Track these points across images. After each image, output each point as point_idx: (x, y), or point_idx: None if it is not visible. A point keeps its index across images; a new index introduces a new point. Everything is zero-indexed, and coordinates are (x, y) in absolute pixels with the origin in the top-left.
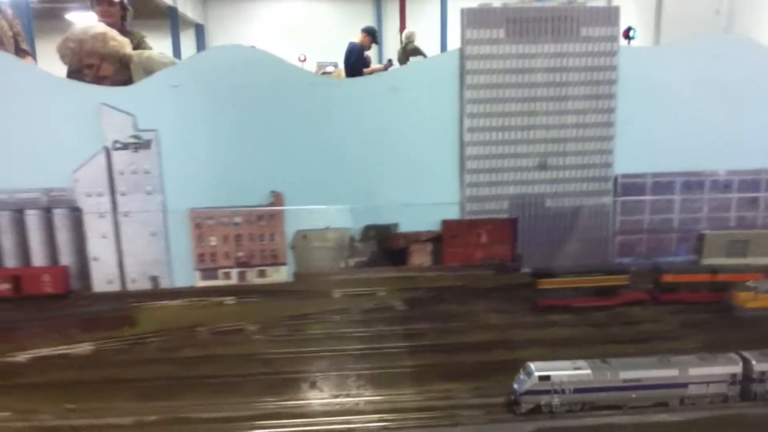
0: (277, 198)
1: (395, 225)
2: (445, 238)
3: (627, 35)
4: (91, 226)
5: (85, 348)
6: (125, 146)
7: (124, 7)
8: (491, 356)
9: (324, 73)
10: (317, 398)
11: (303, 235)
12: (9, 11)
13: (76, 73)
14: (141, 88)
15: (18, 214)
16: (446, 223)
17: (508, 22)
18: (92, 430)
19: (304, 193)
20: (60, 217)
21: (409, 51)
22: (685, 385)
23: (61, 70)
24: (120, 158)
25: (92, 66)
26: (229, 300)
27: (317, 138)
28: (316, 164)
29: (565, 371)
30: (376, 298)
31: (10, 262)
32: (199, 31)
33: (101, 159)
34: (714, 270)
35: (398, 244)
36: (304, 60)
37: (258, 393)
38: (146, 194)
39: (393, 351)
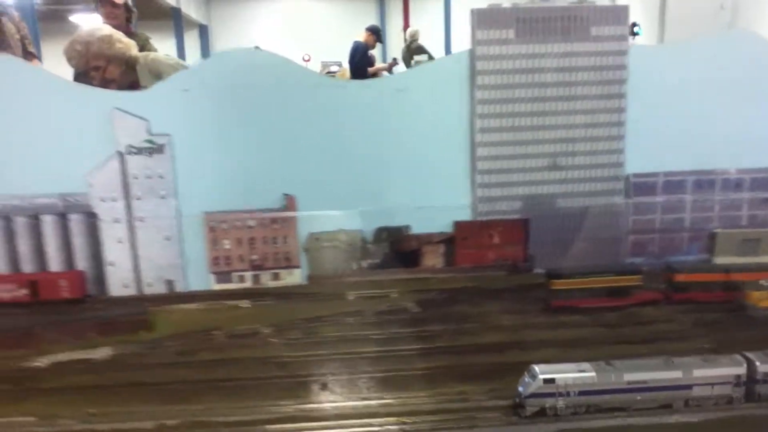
0: (289, 200)
1: (407, 227)
2: (457, 240)
3: (632, 31)
4: (107, 231)
5: (103, 352)
6: (139, 151)
7: (128, 9)
8: (505, 357)
9: (328, 72)
10: (334, 401)
11: (315, 238)
12: (16, 14)
13: (82, 75)
14: (153, 92)
15: (34, 219)
16: (458, 225)
17: (517, 22)
18: None
19: (315, 194)
20: (76, 222)
21: (413, 49)
22: (689, 387)
23: (67, 72)
24: (134, 163)
25: (99, 68)
26: (245, 303)
27: (328, 139)
28: (327, 166)
29: (569, 374)
30: (389, 300)
31: (27, 267)
32: (203, 31)
33: (115, 164)
34: (727, 269)
35: (410, 246)
36: (309, 60)
37: (275, 396)
38: (160, 198)
39: (407, 353)
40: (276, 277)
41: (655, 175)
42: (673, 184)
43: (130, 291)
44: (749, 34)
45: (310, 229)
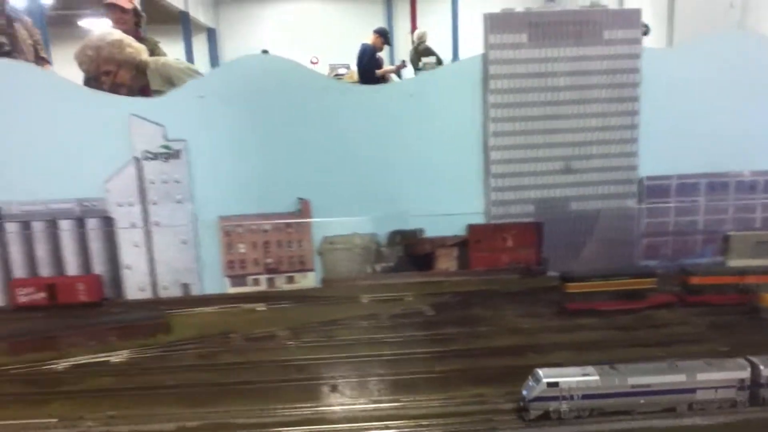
0: (304, 204)
1: (421, 230)
2: (471, 243)
3: (644, 32)
4: (123, 235)
5: (122, 355)
6: (155, 156)
7: (137, 14)
8: (521, 360)
9: (336, 75)
10: (353, 404)
11: (330, 241)
12: (28, 20)
13: (93, 80)
14: (169, 99)
15: (52, 224)
16: (472, 228)
17: (530, 26)
18: None
19: (328, 198)
20: (93, 226)
21: (421, 51)
22: (693, 391)
23: (77, 76)
24: (150, 168)
25: (109, 73)
26: (260, 306)
27: (341, 143)
28: (340, 170)
29: (573, 377)
30: (403, 304)
31: (45, 271)
32: (211, 35)
33: (132, 169)
34: (741, 272)
35: (424, 249)
36: (317, 62)
37: (293, 399)
38: (176, 203)
39: (423, 356)
40: (290, 280)
41: (668, 177)
42: (687, 186)
43: (146, 294)
44: (761, 35)
45: (324, 232)
